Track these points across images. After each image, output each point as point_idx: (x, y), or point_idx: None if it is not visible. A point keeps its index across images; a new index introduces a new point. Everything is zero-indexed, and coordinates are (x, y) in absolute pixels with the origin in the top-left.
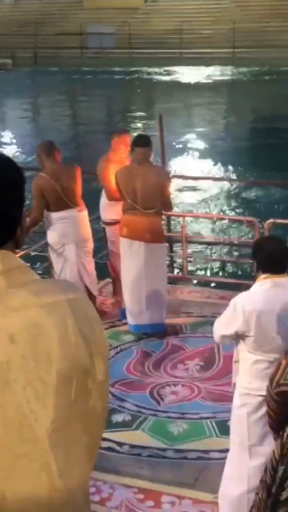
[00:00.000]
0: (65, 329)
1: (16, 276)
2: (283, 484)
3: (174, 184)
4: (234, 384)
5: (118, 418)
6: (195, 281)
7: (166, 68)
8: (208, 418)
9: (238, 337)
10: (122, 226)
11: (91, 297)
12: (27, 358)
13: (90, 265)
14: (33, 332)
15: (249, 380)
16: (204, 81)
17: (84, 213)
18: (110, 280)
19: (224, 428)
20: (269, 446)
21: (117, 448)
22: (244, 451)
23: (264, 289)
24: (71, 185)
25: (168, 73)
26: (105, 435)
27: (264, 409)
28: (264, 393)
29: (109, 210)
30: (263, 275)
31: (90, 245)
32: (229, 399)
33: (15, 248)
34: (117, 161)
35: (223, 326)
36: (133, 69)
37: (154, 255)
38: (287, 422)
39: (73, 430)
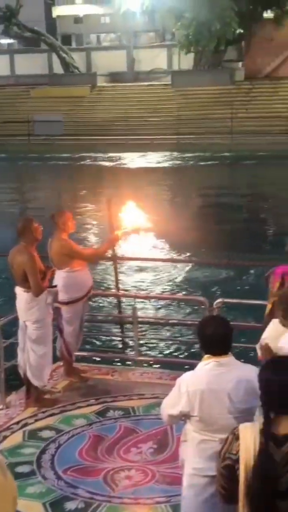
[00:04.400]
0: None
1: None
2: None
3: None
4: (183, 464)
5: (71, 506)
6: (146, 362)
7: (113, 154)
8: (163, 502)
9: (185, 416)
10: None
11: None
12: None
13: (31, 353)
14: None
15: (196, 461)
16: (150, 166)
17: (27, 295)
18: (61, 363)
19: None
20: None
21: None
22: None
23: (207, 369)
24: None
25: (115, 159)
26: None
27: (211, 489)
28: (210, 473)
29: (67, 290)
30: (207, 355)
31: (31, 327)
32: None
33: None
34: (68, 239)
35: (169, 406)
36: (80, 155)
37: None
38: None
39: None
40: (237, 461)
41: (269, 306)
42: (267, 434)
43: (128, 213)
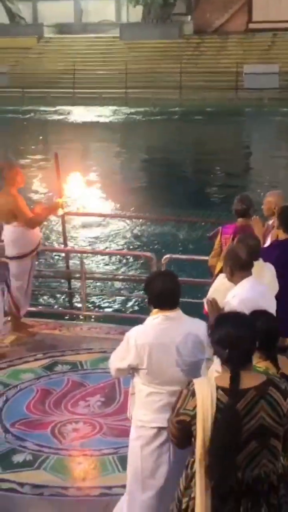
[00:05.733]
0: None
1: None
2: None
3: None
4: (131, 416)
5: (18, 458)
6: (94, 317)
7: (60, 107)
8: (110, 454)
9: (133, 370)
10: None
11: None
12: None
13: None
14: None
15: (144, 413)
16: (98, 120)
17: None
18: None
19: (126, 463)
20: (162, 479)
21: (19, 488)
22: (137, 483)
23: (156, 323)
24: None
25: (62, 113)
26: (5, 476)
27: (157, 441)
28: (158, 425)
29: (15, 245)
30: (155, 310)
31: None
32: None
33: None
34: (17, 193)
35: (117, 360)
36: (27, 108)
37: None
38: (193, 452)
39: None
40: (194, 416)
41: (219, 264)
42: (235, 391)
43: (72, 185)
